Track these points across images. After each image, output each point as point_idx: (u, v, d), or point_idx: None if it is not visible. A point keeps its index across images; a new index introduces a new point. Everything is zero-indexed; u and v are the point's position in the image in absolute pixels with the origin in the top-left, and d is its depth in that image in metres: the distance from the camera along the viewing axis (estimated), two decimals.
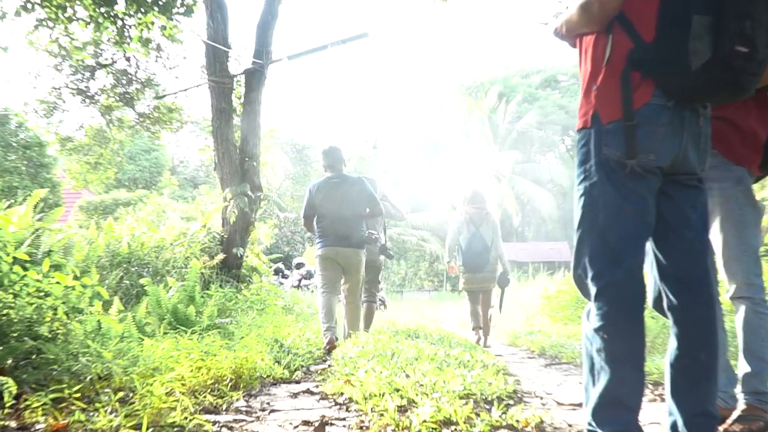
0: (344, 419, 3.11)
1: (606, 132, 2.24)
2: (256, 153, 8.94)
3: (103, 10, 9.49)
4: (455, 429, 2.74)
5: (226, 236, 8.68)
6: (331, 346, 5.99)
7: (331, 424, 3.00)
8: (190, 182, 38.87)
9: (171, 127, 11.50)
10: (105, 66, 10.55)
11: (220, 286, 7.83)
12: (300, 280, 17.03)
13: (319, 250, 6.57)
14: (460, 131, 41.20)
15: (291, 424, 3.05)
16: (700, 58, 2.06)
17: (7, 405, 2.94)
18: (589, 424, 2.20)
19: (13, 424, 2.74)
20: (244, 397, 3.73)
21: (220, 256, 8.24)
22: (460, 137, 40.02)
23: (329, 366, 4.87)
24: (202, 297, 6.49)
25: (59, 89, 10.68)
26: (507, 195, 36.56)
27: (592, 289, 2.26)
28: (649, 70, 2.17)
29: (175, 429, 2.78)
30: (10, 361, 3.35)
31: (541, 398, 3.91)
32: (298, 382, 4.43)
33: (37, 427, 2.72)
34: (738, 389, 2.94)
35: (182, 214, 14.63)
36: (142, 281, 6.20)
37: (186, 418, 2.88)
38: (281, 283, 15.51)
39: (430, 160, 42.43)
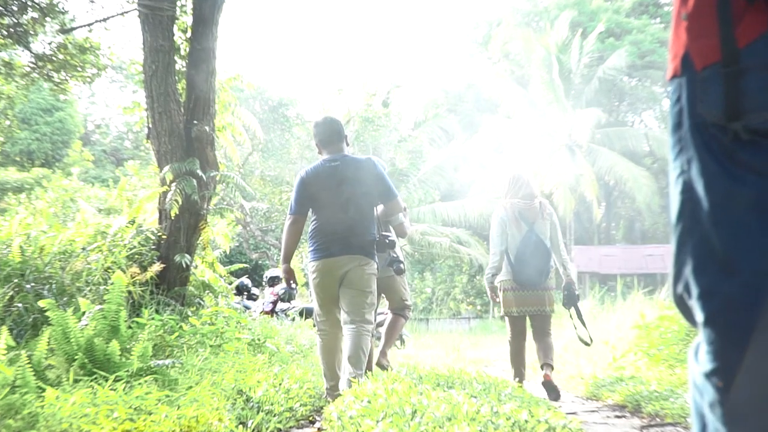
0: None
1: (701, 82, 2.16)
2: (210, 113, 8.97)
3: None
4: None
5: (165, 237, 8.72)
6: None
7: None
8: (112, 157, 39.00)
9: (83, 75, 11.55)
10: None
11: (157, 311, 7.86)
12: (275, 303, 17.06)
13: (311, 264, 6.68)
14: (513, 79, 41.10)
15: None
16: None
17: None
18: None
19: None
20: None
21: (157, 267, 8.28)
22: (513, 88, 39.96)
23: (319, 430, 4.90)
24: (131, 327, 6.52)
25: None
26: (585, 174, 36.44)
27: (699, 315, 2.20)
28: None
29: None
30: None
31: None
32: None
33: None
34: None
35: (100, 204, 14.68)
36: (41, 303, 6.23)
37: None
38: (247, 308, 15.52)
39: (469, 123, 42.33)
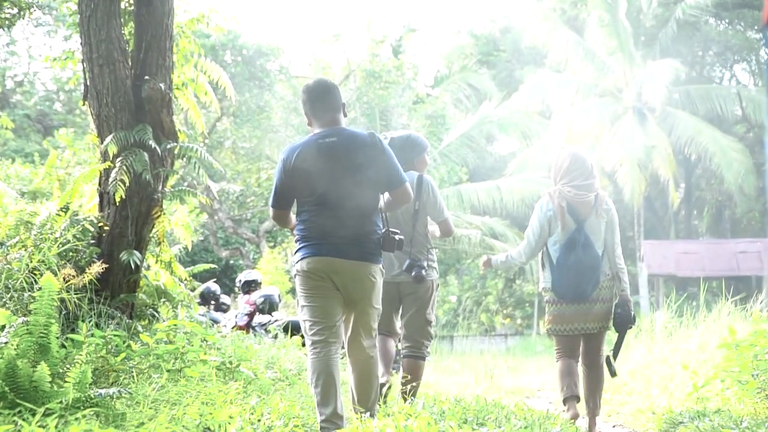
0: None
1: None
2: (166, 66, 8.99)
3: None
4: None
5: (107, 229, 8.74)
6: None
7: None
8: (37, 124, 39.03)
9: (0, 17, 11.57)
10: None
11: (98, 325, 7.89)
12: (251, 315, 17.06)
13: (301, 263, 6.72)
14: (564, 21, 40.99)
15: None
16: None
17: None
18: None
19: None
20: None
21: (97, 268, 8.28)
22: (564, 34, 39.84)
23: None
24: (64, 346, 6.55)
25: None
26: (658, 146, 36.34)
27: None
28: None
29: None
30: None
31: None
32: None
33: None
34: None
35: (23, 186, 14.73)
36: None
37: None
38: (215, 321, 15.56)
39: (506, 78, 42.25)
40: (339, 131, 6.71)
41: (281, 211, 6.84)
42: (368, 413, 6.49)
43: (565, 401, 8.30)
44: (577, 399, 8.29)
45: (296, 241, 6.78)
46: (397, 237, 6.70)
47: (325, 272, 6.59)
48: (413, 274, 7.79)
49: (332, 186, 6.59)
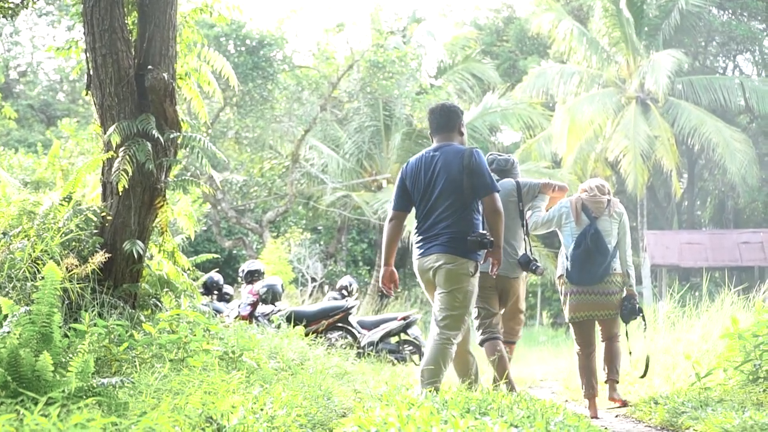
0: None
1: None
2: (169, 55, 8.96)
3: None
4: None
5: (110, 219, 8.72)
6: None
7: None
8: (41, 114, 38.98)
9: (3, 6, 11.53)
10: None
11: (100, 314, 7.87)
12: (254, 305, 16.98)
13: (413, 262, 8.20)
14: (568, 11, 40.86)
15: None
16: None
17: None
18: None
19: None
20: None
21: (100, 258, 8.27)
22: (568, 25, 39.72)
23: None
24: (67, 336, 6.54)
25: None
26: (661, 137, 36.22)
27: None
28: None
29: None
30: None
31: None
32: None
33: None
34: None
35: (26, 176, 14.71)
36: None
37: None
38: (218, 311, 15.50)
39: (510, 68, 42.12)
40: (443, 146, 8.05)
41: (396, 212, 8.14)
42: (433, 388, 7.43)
43: (587, 396, 9.33)
44: (596, 395, 9.27)
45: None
46: (484, 240, 7.66)
47: (421, 269, 8.01)
48: (532, 268, 8.95)
49: (429, 192, 7.88)
